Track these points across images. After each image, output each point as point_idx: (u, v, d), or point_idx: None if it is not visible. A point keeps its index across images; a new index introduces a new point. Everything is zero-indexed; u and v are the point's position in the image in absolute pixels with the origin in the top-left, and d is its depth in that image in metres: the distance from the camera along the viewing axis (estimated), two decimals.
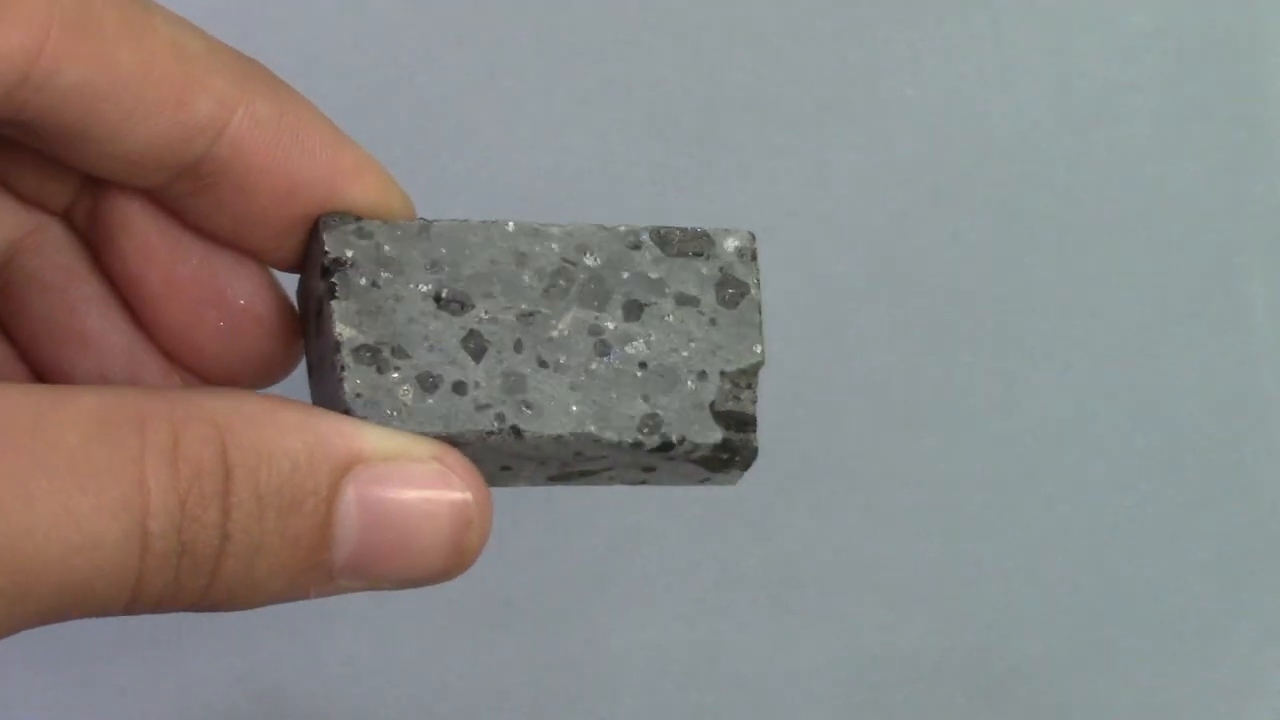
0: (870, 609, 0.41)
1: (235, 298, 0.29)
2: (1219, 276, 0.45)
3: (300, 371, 0.31)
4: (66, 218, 0.30)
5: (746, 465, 0.31)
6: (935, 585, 0.42)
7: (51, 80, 0.24)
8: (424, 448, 0.27)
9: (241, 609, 0.27)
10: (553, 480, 0.34)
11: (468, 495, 0.28)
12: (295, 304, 0.30)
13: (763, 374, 0.43)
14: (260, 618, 0.44)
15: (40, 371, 0.31)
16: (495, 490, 0.40)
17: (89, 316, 0.30)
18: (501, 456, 0.30)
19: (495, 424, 0.28)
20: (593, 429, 0.29)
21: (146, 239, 0.29)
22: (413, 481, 0.27)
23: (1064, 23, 0.46)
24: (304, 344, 0.30)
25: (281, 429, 0.26)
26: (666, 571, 0.41)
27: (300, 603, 0.42)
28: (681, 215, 0.44)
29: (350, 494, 0.26)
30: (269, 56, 0.45)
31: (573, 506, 0.43)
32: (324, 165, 0.27)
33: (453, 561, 0.28)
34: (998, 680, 0.41)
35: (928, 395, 0.43)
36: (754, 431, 0.30)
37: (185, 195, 0.28)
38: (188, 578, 0.25)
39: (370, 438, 0.27)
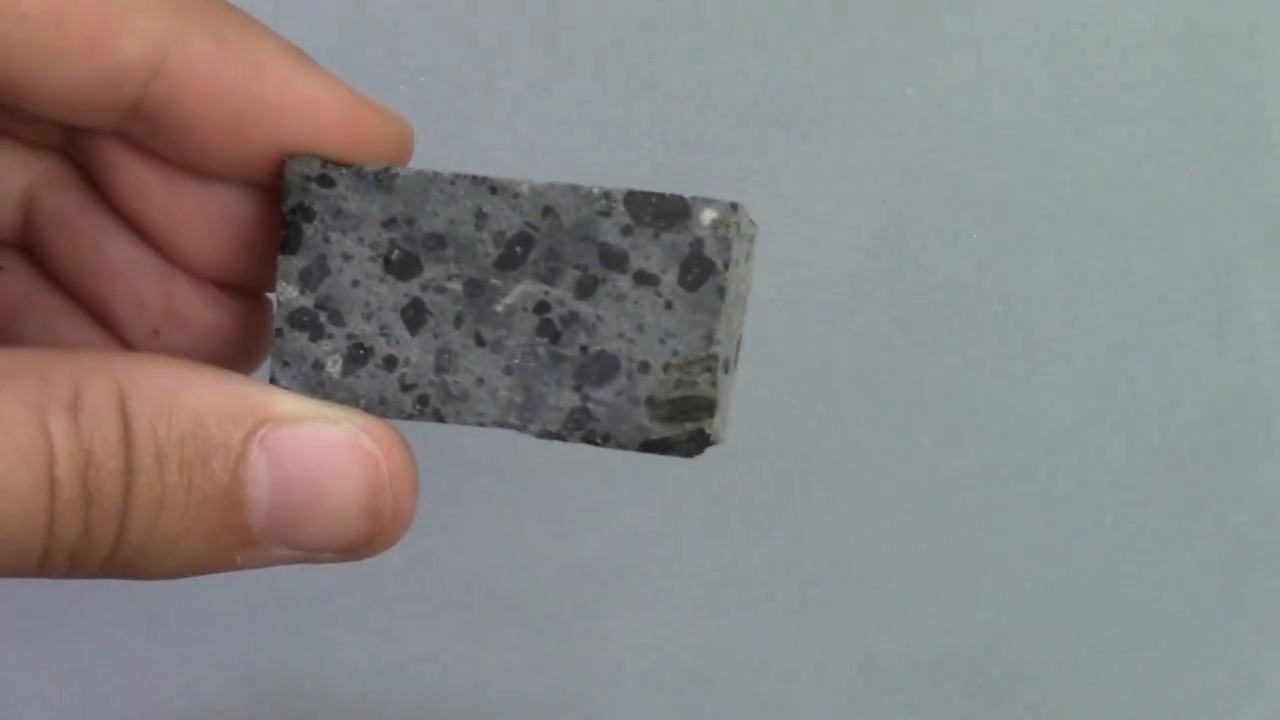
0: (870, 609, 0.41)
1: (240, 217, 0.29)
2: (1219, 276, 0.45)
3: None
4: (68, 156, 0.30)
5: (697, 451, 0.28)
6: (935, 585, 0.42)
7: None
8: (335, 410, 0.27)
9: (161, 574, 0.27)
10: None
11: (381, 455, 0.27)
12: None
13: (763, 373, 0.43)
14: (261, 617, 0.45)
15: (84, 304, 0.31)
16: (496, 488, 0.40)
17: (111, 247, 0.30)
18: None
19: (417, 408, 0.28)
20: (514, 420, 0.28)
21: (138, 177, 0.28)
22: (322, 440, 0.27)
23: (1064, 23, 0.46)
24: None
25: (187, 385, 0.26)
26: (666, 571, 0.41)
27: (300, 601, 0.42)
28: None
29: (258, 452, 0.26)
30: None
31: (573, 506, 0.43)
32: (274, 101, 0.27)
33: (370, 526, 0.27)
34: (998, 680, 0.41)
35: (928, 395, 0.43)
36: (708, 416, 0.28)
37: (143, 135, 0.27)
38: (97, 531, 0.25)
39: (284, 400, 0.27)
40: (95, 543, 0.25)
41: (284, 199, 0.27)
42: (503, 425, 0.28)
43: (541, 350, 0.28)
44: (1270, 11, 0.46)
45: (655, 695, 0.40)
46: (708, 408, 0.28)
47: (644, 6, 0.45)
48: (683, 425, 0.28)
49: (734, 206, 0.27)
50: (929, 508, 0.42)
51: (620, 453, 0.29)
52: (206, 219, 0.29)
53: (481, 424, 0.28)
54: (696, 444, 0.28)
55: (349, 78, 0.44)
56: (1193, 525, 0.43)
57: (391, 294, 0.28)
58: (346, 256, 0.28)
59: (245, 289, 0.30)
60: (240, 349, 0.30)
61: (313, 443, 0.27)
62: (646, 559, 0.40)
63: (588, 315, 0.28)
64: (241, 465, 0.26)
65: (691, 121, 0.45)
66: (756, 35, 0.45)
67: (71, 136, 0.29)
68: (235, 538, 0.26)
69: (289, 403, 0.27)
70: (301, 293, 0.28)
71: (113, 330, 0.31)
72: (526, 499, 0.42)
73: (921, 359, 0.43)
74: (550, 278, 0.28)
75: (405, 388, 0.28)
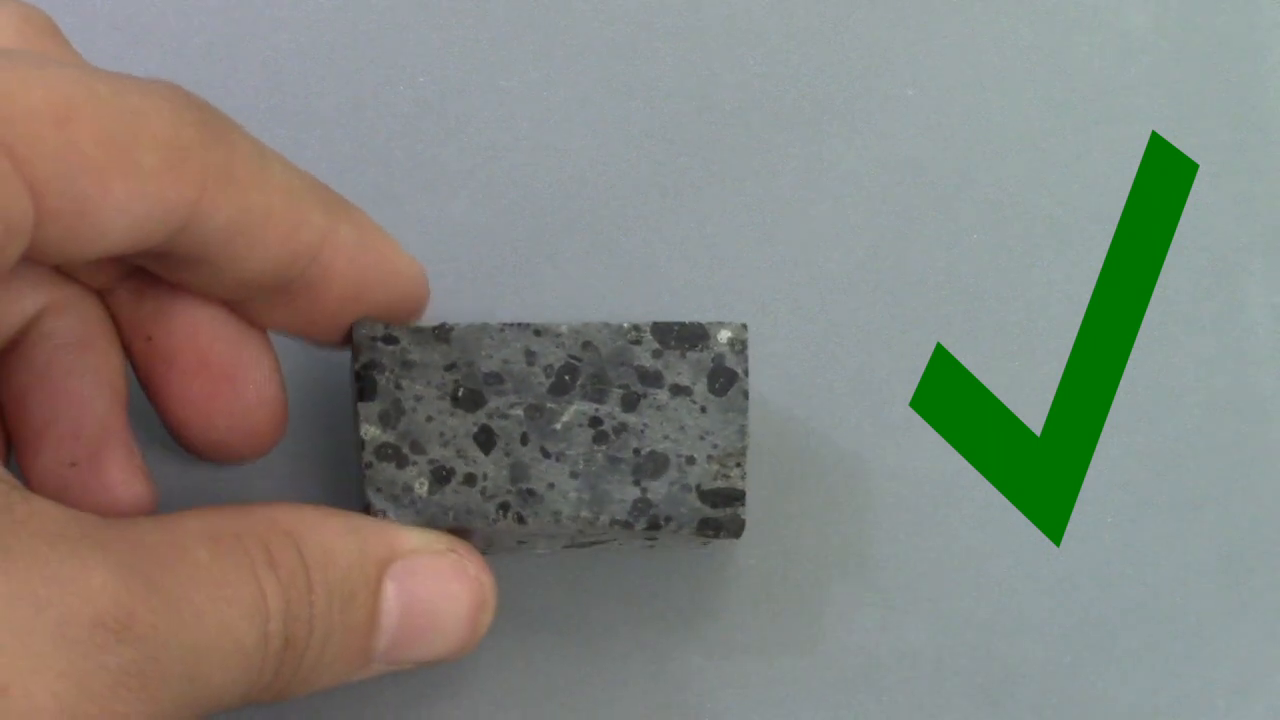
0: (870, 609, 0.41)
1: (251, 380, 0.33)
2: (1219, 276, 0.45)
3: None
4: (100, 292, 0.33)
5: (737, 534, 0.33)
6: (935, 585, 0.42)
7: (204, 224, 0.28)
8: (442, 542, 0.32)
9: (303, 694, 0.30)
10: (567, 548, 0.36)
11: (482, 579, 0.32)
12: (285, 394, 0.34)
13: (763, 373, 0.44)
14: None
15: (10, 412, 0.33)
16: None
17: (87, 375, 0.32)
18: (515, 536, 0.33)
19: (499, 513, 0.32)
20: (587, 514, 0.32)
21: (196, 320, 0.32)
22: (439, 572, 0.31)
23: (1064, 23, 0.46)
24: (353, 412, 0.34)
25: (336, 532, 0.30)
26: (666, 571, 0.41)
27: None
28: (680, 216, 0.45)
29: (390, 586, 0.31)
30: (270, 56, 0.46)
31: None
32: (389, 275, 0.31)
33: (469, 638, 0.32)
34: (998, 680, 0.41)
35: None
36: (742, 505, 0.33)
37: (264, 304, 0.31)
38: (286, 669, 0.29)
39: (403, 535, 0.31)
40: (279, 679, 0.29)
41: (354, 358, 0.32)
42: (576, 519, 0.32)
43: (600, 456, 0.32)
44: (1270, 11, 0.46)
45: (655, 695, 0.40)
46: (739, 497, 0.33)
47: (644, 6, 0.45)
48: (725, 510, 0.33)
49: (744, 326, 0.33)
50: (929, 508, 0.42)
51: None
52: (226, 373, 0.33)
53: (558, 519, 0.32)
54: (738, 526, 0.33)
55: (349, 77, 0.44)
56: (1193, 525, 0.43)
57: (462, 424, 0.32)
58: (418, 398, 0.31)
59: (196, 451, 0.34)
60: (118, 508, 0.33)
61: (430, 572, 0.31)
62: (646, 558, 0.40)
63: (635, 424, 0.32)
64: (379, 597, 0.31)
65: (691, 121, 0.45)
66: (756, 36, 0.45)
67: (125, 280, 0.33)
68: (364, 659, 0.31)
69: (406, 537, 0.31)
70: (383, 431, 0.31)
71: (28, 445, 0.32)
72: None
73: (921, 359, 0.43)
74: (598, 397, 0.32)
75: (487, 498, 0.32)
